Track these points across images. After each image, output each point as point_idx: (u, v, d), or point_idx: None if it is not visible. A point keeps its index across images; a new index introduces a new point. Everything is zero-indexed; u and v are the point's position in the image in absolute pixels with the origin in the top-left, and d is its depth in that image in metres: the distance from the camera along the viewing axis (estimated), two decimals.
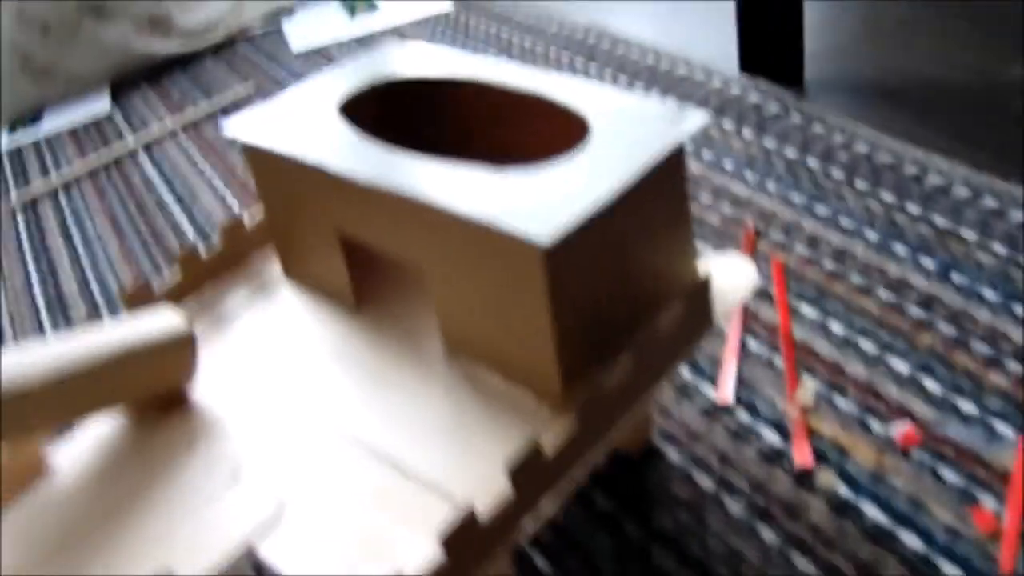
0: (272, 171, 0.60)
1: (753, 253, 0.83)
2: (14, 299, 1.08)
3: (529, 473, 0.43)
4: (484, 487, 0.45)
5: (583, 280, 0.46)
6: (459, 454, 0.48)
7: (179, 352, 0.57)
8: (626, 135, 0.48)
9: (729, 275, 0.56)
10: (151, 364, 0.55)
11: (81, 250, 1.13)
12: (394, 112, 0.64)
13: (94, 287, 1.05)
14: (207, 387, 0.59)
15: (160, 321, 0.57)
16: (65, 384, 0.50)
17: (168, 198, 1.19)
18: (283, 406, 0.55)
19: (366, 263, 0.58)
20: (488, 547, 0.43)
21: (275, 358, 0.59)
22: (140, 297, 0.63)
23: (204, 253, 0.67)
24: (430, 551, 0.41)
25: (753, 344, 0.74)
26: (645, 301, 0.51)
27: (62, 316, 1.01)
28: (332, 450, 0.51)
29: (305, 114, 0.58)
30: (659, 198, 0.49)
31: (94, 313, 1.00)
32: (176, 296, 0.66)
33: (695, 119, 0.49)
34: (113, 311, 0.99)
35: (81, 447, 0.55)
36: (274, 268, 0.67)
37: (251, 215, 0.69)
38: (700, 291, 0.51)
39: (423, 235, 0.49)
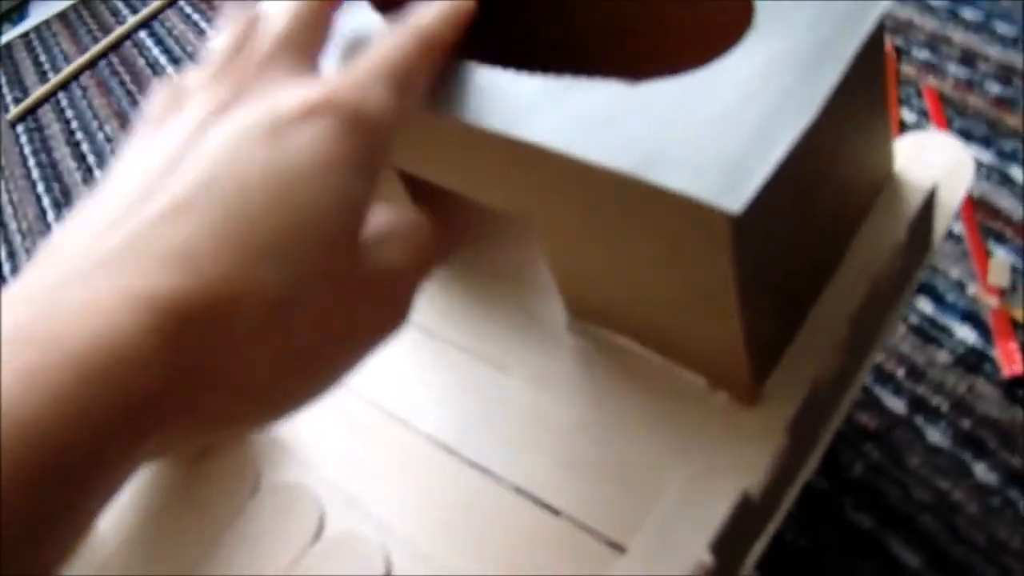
0: None
1: (897, 79, 0.66)
2: (28, 231, 0.95)
3: (735, 534, 0.30)
4: (664, 537, 0.32)
5: (777, 235, 0.31)
6: (613, 477, 0.35)
7: None
8: (808, 8, 0.32)
9: (937, 166, 0.40)
10: None
11: (92, 160, 0.99)
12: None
13: None
14: None
15: None
16: None
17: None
18: (356, 404, 0.42)
19: (441, 195, 0.43)
20: None
21: None
22: None
23: None
24: None
25: None
26: (842, 220, 0.37)
27: None
28: (442, 471, 0.38)
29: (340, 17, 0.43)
30: (860, 87, 0.33)
31: None
32: None
33: None
34: None
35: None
36: None
37: None
38: (923, 212, 0.36)
39: (527, 181, 0.35)
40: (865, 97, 0.35)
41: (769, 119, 0.29)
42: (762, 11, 0.32)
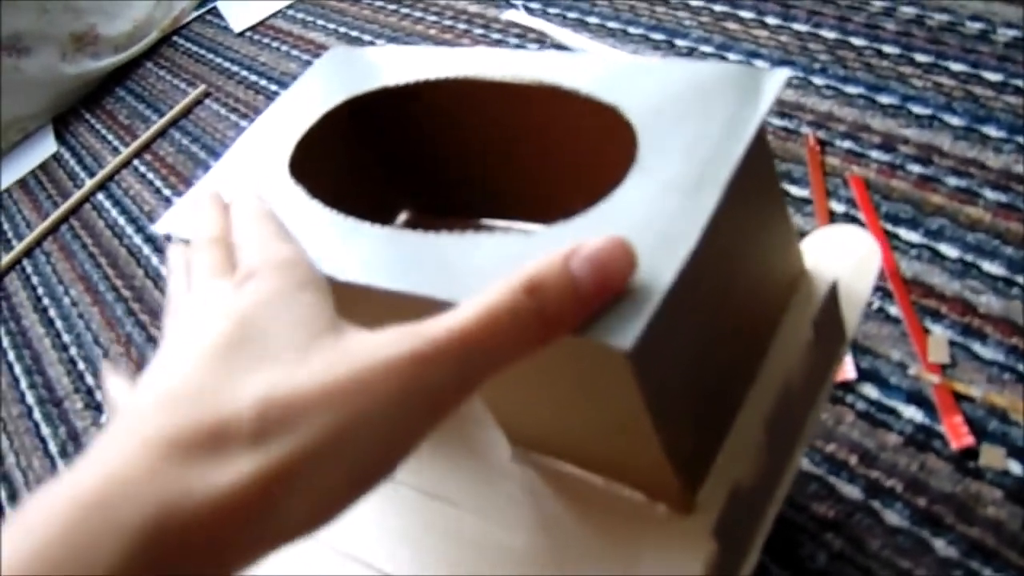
0: None
1: (823, 171, 0.69)
2: (2, 399, 0.95)
3: None
4: None
5: (683, 357, 0.33)
6: None
7: None
8: (694, 129, 0.34)
9: (844, 259, 0.42)
10: None
11: (60, 324, 1.00)
12: (368, 131, 0.50)
13: (82, 367, 0.93)
14: None
15: None
16: None
17: (137, 240, 1.06)
18: (322, 552, 0.43)
19: None
20: None
21: None
22: None
23: None
24: None
25: None
26: (756, 328, 0.38)
27: (57, 415, 0.89)
28: None
29: (251, 185, 0.44)
30: (750, 199, 0.35)
31: (90, 401, 0.88)
32: None
33: (776, 77, 0.35)
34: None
35: None
36: None
37: None
38: (828, 309, 0.38)
39: None
40: (760, 207, 0.37)
41: (654, 253, 0.30)
42: (643, 143, 0.34)
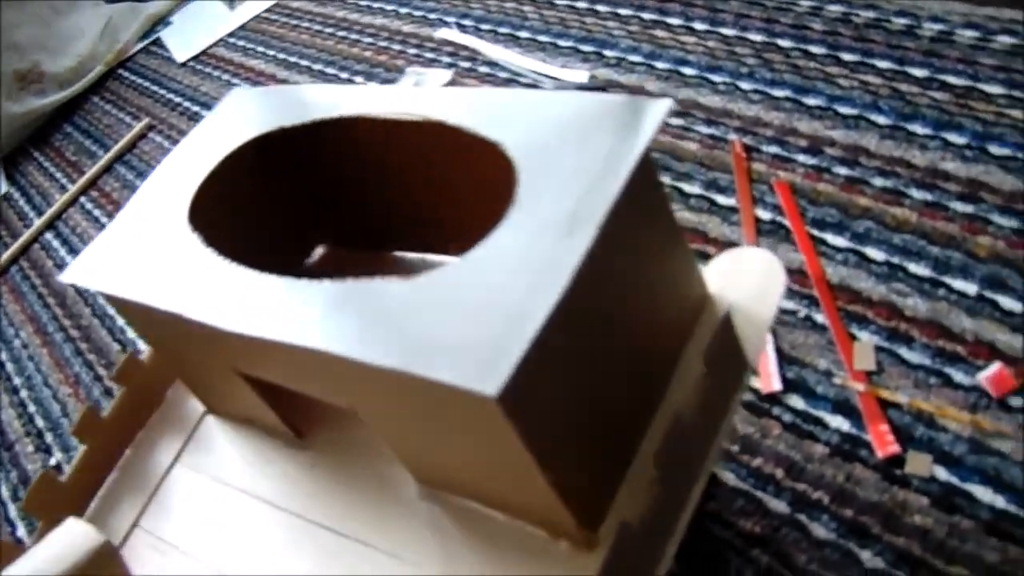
0: (137, 314, 0.46)
1: (749, 178, 0.69)
2: None
3: None
4: None
5: (566, 396, 0.32)
6: None
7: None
8: (573, 163, 0.34)
9: (746, 283, 0.42)
10: None
11: (10, 367, 1.00)
12: (278, 168, 0.50)
13: (33, 409, 0.92)
14: None
15: (71, 548, 0.45)
16: None
17: None
18: None
19: (284, 392, 0.45)
20: None
21: (224, 529, 0.47)
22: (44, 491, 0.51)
23: (107, 407, 0.55)
24: None
25: (783, 301, 0.60)
26: (655, 360, 0.38)
27: (8, 458, 0.89)
28: None
29: (152, 234, 0.44)
30: (638, 230, 0.35)
31: (40, 444, 0.87)
32: (91, 473, 0.53)
33: (657, 109, 0.35)
34: (59, 440, 0.86)
35: None
36: (196, 404, 0.54)
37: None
38: (722, 337, 0.37)
39: (345, 383, 0.36)
40: (649, 238, 0.36)
41: (526, 296, 0.30)
42: (523, 182, 0.34)
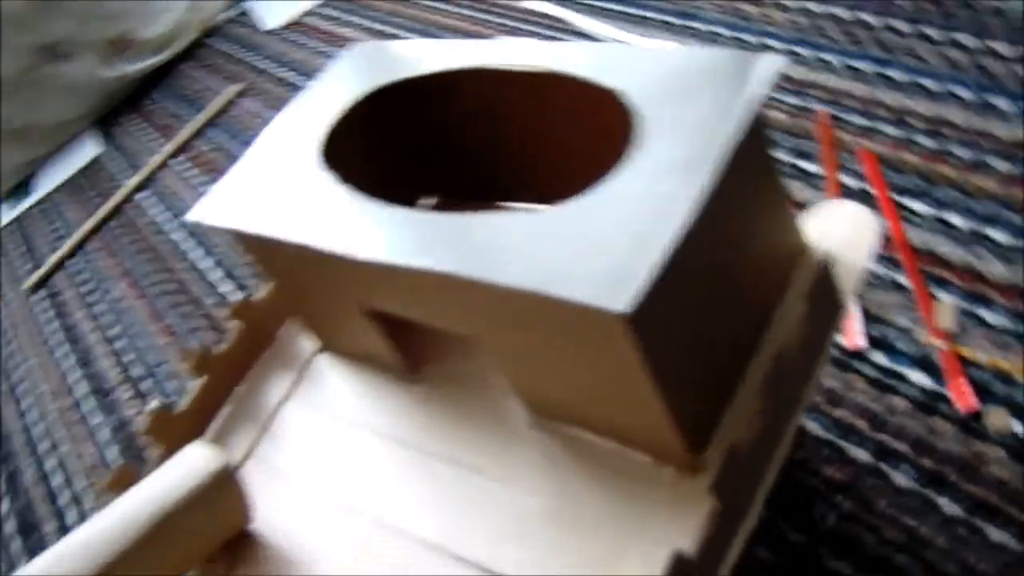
0: (264, 251, 0.49)
1: (834, 147, 0.71)
2: (55, 394, 1.00)
3: None
4: None
5: (682, 324, 0.35)
6: (582, 554, 0.39)
7: (227, 500, 0.48)
8: (688, 112, 0.37)
9: (840, 232, 0.44)
10: (198, 527, 0.47)
11: (107, 320, 1.04)
12: (391, 120, 0.53)
13: (129, 358, 0.97)
14: (266, 511, 0.50)
15: (195, 468, 0.48)
16: None
17: (179, 236, 1.10)
18: (358, 520, 0.46)
19: (407, 321, 0.48)
20: None
21: (338, 459, 0.50)
22: (161, 421, 0.54)
23: (222, 340, 0.58)
24: None
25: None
26: (758, 301, 0.41)
27: (106, 405, 0.93)
28: (433, 568, 0.42)
29: (282, 173, 0.47)
30: (746, 178, 0.38)
31: (138, 391, 0.92)
32: (205, 406, 0.57)
33: (769, 63, 0.37)
34: (157, 386, 0.91)
35: None
36: (308, 342, 0.57)
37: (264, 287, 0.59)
38: (821, 281, 0.40)
39: (470, 309, 0.39)
40: (755, 187, 0.39)
41: (650, 226, 0.33)
42: (641, 126, 0.37)
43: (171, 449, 0.55)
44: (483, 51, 0.47)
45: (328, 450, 0.51)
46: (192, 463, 0.48)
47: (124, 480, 0.52)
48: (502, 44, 0.47)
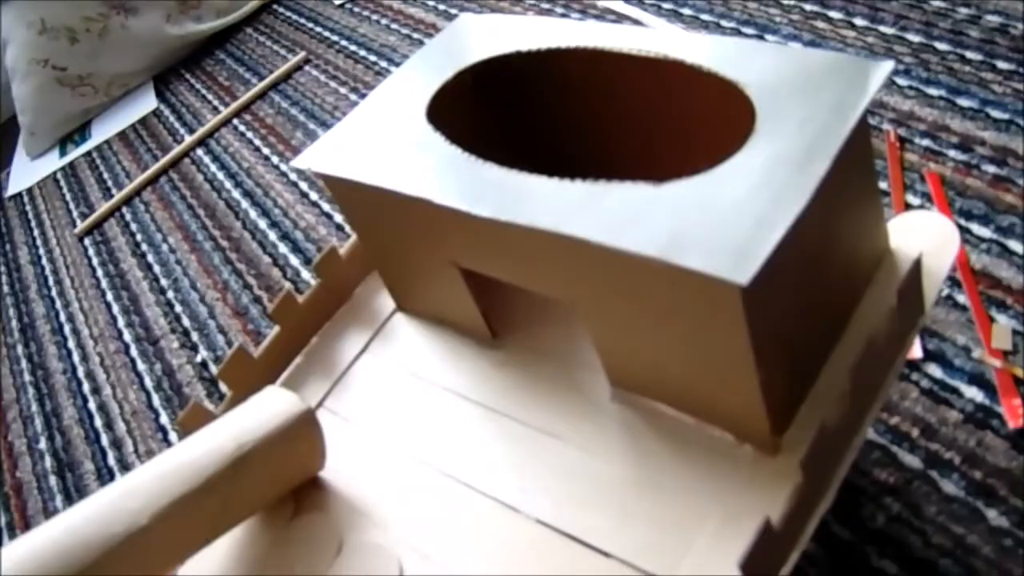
0: (362, 203, 0.51)
1: (901, 166, 0.72)
2: (100, 336, 1.02)
3: (761, 557, 0.35)
4: (698, 563, 0.38)
5: (784, 304, 0.37)
6: (658, 521, 0.41)
7: (307, 443, 0.50)
8: (806, 108, 0.38)
9: (925, 240, 0.46)
10: (276, 467, 0.49)
11: (157, 269, 1.07)
12: (497, 95, 0.54)
13: (179, 309, 0.99)
14: (335, 459, 0.52)
15: (280, 410, 0.50)
16: (179, 519, 0.44)
17: (236, 194, 1.12)
18: (430, 474, 0.48)
19: (494, 285, 0.50)
20: None
21: (411, 415, 0.52)
22: (239, 365, 0.56)
23: (296, 276, 0.60)
24: None
25: None
26: (844, 293, 0.42)
27: (153, 352, 0.95)
28: (508, 528, 0.44)
29: (391, 129, 0.49)
30: (849, 176, 0.39)
31: (186, 342, 0.94)
32: (278, 356, 0.59)
33: (880, 69, 0.39)
34: (205, 339, 0.93)
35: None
36: (386, 301, 0.59)
37: (345, 242, 0.61)
38: (911, 280, 0.42)
39: (570, 271, 0.41)
40: (856, 185, 0.41)
41: (770, 208, 0.35)
42: (761, 117, 0.39)
43: (239, 393, 0.56)
44: (593, 32, 0.49)
45: (402, 406, 0.53)
46: (277, 404, 0.50)
47: (198, 418, 0.54)
48: (609, 28, 0.49)
